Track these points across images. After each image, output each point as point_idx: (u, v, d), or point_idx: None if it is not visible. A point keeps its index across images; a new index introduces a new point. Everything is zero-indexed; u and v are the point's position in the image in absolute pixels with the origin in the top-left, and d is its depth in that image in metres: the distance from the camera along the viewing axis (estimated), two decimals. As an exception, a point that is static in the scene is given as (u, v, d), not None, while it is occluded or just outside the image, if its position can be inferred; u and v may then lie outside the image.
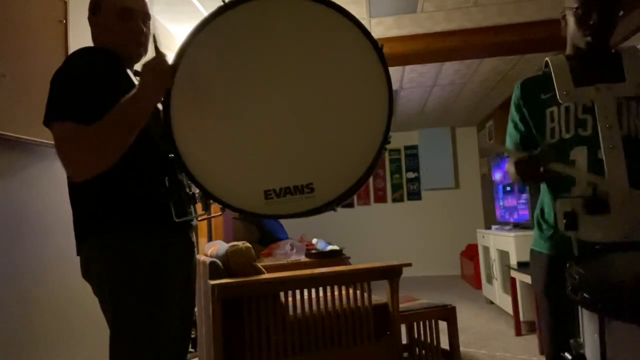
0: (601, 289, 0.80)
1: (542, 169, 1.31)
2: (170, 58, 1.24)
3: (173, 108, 1.24)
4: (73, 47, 2.14)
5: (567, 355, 0.92)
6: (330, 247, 3.54)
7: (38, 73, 1.97)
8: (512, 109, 1.56)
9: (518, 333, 3.68)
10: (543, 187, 1.52)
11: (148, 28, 1.39)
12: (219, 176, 1.26)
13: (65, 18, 2.19)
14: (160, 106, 1.28)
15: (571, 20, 1.43)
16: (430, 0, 3.28)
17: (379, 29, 3.67)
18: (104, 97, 1.21)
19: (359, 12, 3.37)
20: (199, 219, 1.42)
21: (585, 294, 0.81)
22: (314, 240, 3.76)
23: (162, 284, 1.27)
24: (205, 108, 1.26)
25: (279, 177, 1.23)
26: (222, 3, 1.25)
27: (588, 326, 0.86)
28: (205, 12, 3.15)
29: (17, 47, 1.93)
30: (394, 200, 7.55)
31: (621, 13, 1.38)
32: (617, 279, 0.91)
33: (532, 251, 1.53)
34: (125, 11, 1.33)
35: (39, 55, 2.04)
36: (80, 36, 2.14)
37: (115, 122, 1.16)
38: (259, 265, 2.35)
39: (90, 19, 1.38)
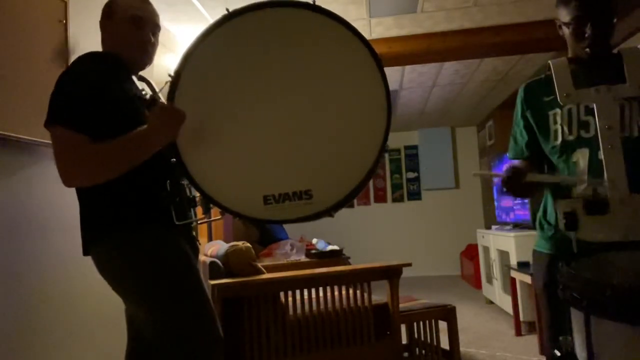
0: (587, 287, 0.80)
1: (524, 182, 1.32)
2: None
3: None
4: (73, 47, 2.14)
5: (556, 352, 0.92)
6: (330, 247, 3.55)
7: (38, 73, 1.97)
8: (516, 112, 1.56)
9: (518, 333, 3.68)
10: (546, 188, 1.52)
11: (157, 39, 1.44)
12: (220, 181, 1.28)
13: (65, 18, 2.19)
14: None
15: (567, 32, 1.43)
16: (430, 0, 3.28)
17: (379, 29, 3.66)
18: (107, 105, 1.24)
19: (359, 12, 3.36)
20: (198, 222, 1.43)
21: (573, 293, 0.82)
22: (314, 240, 3.77)
23: (187, 267, 1.32)
24: (207, 114, 1.28)
25: (278, 182, 1.26)
26: (223, 7, 1.27)
27: (576, 324, 0.86)
28: (205, 13, 3.16)
29: (17, 47, 1.93)
30: (394, 200, 7.54)
31: (615, 20, 1.37)
32: (602, 277, 0.92)
33: (534, 252, 1.55)
34: (136, 19, 1.37)
35: (39, 55, 2.03)
36: (81, 36, 2.14)
37: (118, 152, 1.21)
38: (259, 265, 2.36)
39: (102, 23, 1.41)
